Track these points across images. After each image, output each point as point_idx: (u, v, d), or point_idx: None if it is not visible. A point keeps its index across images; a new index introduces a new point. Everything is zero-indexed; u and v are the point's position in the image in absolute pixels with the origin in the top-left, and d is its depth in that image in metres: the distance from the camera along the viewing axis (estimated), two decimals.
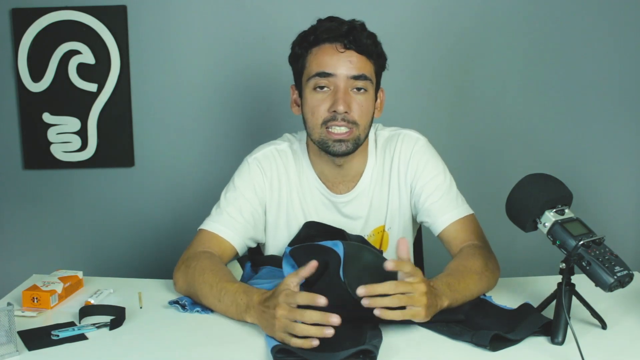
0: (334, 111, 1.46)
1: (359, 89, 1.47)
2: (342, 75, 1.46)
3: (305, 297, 1.16)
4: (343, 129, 1.47)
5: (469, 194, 1.64)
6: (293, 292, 1.18)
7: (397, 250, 1.24)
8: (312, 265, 1.20)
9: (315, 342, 1.13)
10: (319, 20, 1.52)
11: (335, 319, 1.12)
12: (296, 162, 1.60)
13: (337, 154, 1.50)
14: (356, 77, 1.46)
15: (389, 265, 1.19)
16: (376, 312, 1.16)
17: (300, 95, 1.54)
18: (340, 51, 1.46)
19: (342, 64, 1.46)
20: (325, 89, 1.47)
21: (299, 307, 1.16)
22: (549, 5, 2.35)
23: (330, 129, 1.47)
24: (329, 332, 1.12)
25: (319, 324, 1.14)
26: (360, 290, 1.15)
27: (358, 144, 1.51)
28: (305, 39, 1.50)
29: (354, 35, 1.46)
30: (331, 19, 1.51)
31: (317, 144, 1.51)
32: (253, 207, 1.56)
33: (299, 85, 1.54)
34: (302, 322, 1.14)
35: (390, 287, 1.18)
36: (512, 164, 2.41)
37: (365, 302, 1.16)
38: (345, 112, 1.46)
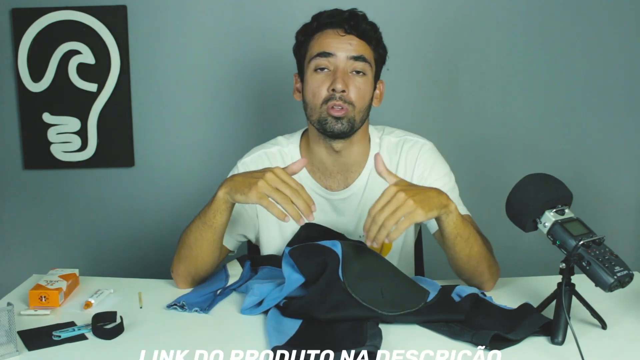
0: (333, 90, 1.49)
1: (357, 72, 1.51)
2: (342, 56, 1.50)
3: (291, 181, 1.32)
4: (340, 108, 1.50)
5: (469, 194, 1.64)
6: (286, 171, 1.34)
7: (375, 165, 1.36)
8: (302, 161, 1.38)
9: (288, 219, 1.29)
10: (320, 12, 1.57)
11: (314, 207, 1.29)
12: (286, 164, 1.61)
13: (334, 132, 1.51)
14: (355, 58, 1.50)
15: (379, 167, 1.34)
16: (391, 237, 1.25)
17: (302, 81, 1.57)
18: (341, 35, 1.51)
19: (343, 46, 1.50)
20: (326, 70, 1.51)
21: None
22: (548, 5, 2.35)
23: (330, 107, 1.50)
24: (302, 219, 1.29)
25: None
26: (369, 242, 1.27)
27: (353, 126, 1.52)
28: (308, 26, 1.56)
29: (354, 21, 1.51)
30: (332, 10, 1.56)
31: (316, 124, 1.53)
32: (243, 209, 1.58)
33: (301, 72, 1.59)
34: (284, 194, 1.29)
35: (377, 212, 1.25)
36: (512, 164, 2.41)
37: (371, 244, 1.27)
38: (343, 92, 1.48)
